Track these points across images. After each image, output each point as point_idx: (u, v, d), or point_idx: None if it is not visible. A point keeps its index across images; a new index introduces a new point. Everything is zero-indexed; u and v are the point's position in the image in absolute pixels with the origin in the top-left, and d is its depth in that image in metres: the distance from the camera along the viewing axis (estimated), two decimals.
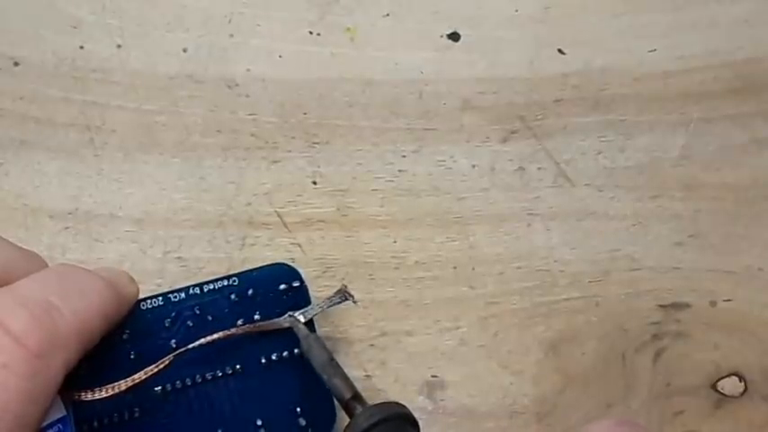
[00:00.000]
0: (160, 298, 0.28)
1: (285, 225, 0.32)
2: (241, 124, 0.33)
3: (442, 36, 0.34)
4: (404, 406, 0.25)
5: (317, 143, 0.33)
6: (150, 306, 0.28)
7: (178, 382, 0.27)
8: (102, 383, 0.26)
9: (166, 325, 0.28)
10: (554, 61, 0.34)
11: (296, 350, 0.28)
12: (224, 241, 0.31)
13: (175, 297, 0.28)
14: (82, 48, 0.33)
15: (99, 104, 0.33)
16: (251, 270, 0.29)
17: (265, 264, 0.29)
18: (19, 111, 0.33)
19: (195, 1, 0.34)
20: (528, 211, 0.32)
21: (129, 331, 0.27)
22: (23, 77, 0.33)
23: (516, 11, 0.35)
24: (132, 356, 0.27)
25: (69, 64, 0.33)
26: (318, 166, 0.33)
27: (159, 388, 0.27)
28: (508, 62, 0.34)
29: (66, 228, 0.31)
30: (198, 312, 0.28)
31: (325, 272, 0.31)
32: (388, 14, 0.35)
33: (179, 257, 0.31)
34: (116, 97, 0.33)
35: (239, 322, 0.28)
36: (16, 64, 0.33)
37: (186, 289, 0.28)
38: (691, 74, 0.34)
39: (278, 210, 0.32)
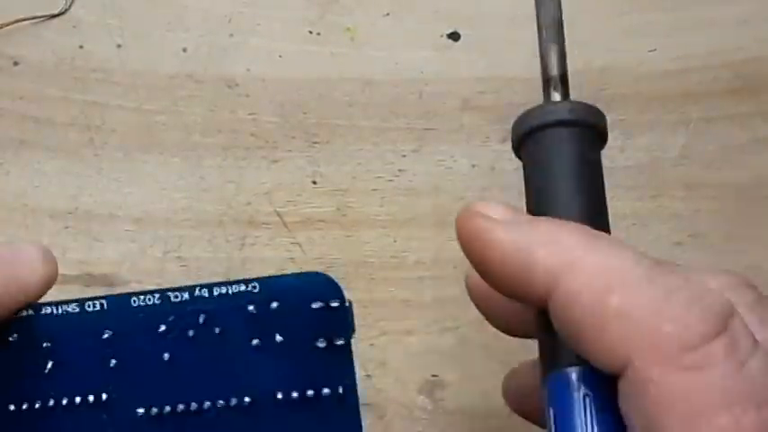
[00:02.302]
0: (157, 295, 0.21)
1: (285, 225, 0.32)
2: (241, 124, 0.33)
3: (442, 36, 0.34)
4: (598, 112, 0.21)
5: (316, 143, 0.33)
6: (143, 303, 0.21)
7: (167, 407, 0.21)
8: (75, 394, 0.21)
9: (161, 331, 0.21)
10: None
11: (326, 390, 0.22)
12: (224, 241, 0.31)
13: (176, 297, 0.21)
14: (82, 47, 0.33)
15: (99, 104, 0.33)
16: (278, 276, 0.22)
17: (296, 271, 0.22)
18: (19, 110, 0.33)
19: (195, 1, 0.34)
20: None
21: (113, 332, 0.21)
22: (23, 77, 0.33)
23: (516, 10, 0.35)
24: (113, 364, 0.21)
25: (69, 63, 0.33)
26: (318, 166, 0.33)
27: (142, 410, 0.21)
28: (508, 62, 0.34)
29: (66, 227, 0.31)
30: (203, 321, 0.21)
31: (325, 271, 0.31)
32: (388, 14, 0.35)
33: (179, 257, 0.31)
34: (116, 97, 0.33)
35: (254, 342, 0.22)
36: (16, 63, 0.33)
37: (191, 289, 0.21)
38: (691, 74, 0.34)
39: (278, 209, 0.32)
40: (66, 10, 0.34)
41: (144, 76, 0.33)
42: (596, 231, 0.19)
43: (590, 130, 0.21)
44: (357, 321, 0.31)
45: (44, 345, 0.21)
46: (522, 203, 0.33)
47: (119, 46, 0.34)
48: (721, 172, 0.33)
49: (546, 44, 0.22)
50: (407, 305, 0.31)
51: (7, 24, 0.33)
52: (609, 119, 0.34)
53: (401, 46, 0.34)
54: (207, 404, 0.21)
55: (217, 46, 0.34)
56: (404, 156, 0.33)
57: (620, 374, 0.17)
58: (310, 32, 0.34)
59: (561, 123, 0.21)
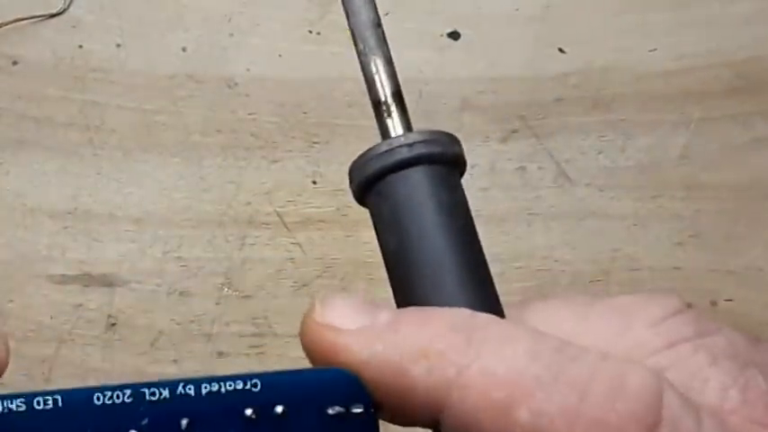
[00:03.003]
0: (128, 391, 0.16)
1: (285, 225, 0.32)
2: (241, 124, 0.33)
3: (441, 35, 0.34)
4: (457, 141, 0.18)
5: (316, 143, 0.33)
6: (109, 402, 0.16)
7: None
8: None
9: None
10: (554, 61, 0.34)
11: None
12: (224, 241, 0.31)
13: (153, 395, 0.17)
14: (81, 47, 0.33)
15: (98, 104, 0.33)
16: (285, 372, 0.17)
17: (307, 368, 0.17)
18: (18, 110, 0.32)
19: (195, 0, 0.34)
20: (528, 211, 0.32)
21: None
22: (22, 77, 0.33)
23: (516, 10, 0.35)
24: None
25: (68, 63, 0.33)
26: (318, 166, 0.32)
27: None
28: (508, 61, 0.34)
29: (66, 227, 0.31)
30: (185, 427, 0.16)
31: (325, 272, 0.31)
32: (387, 14, 0.34)
33: (179, 257, 0.31)
34: (115, 97, 0.33)
35: None
36: (15, 63, 0.33)
37: (173, 385, 0.17)
38: (691, 73, 0.34)
39: (278, 209, 0.32)
40: (65, 9, 0.34)
41: (143, 75, 0.33)
42: (477, 316, 0.15)
43: (442, 164, 0.17)
44: None
45: None
46: (521, 204, 0.33)
47: (118, 45, 0.33)
48: (722, 172, 0.33)
49: (366, 57, 0.17)
50: None
51: (6, 24, 0.33)
52: (609, 118, 0.34)
53: (401, 46, 0.34)
54: None
55: (217, 46, 0.34)
56: None
57: None
58: (310, 32, 0.34)
59: (403, 165, 0.16)
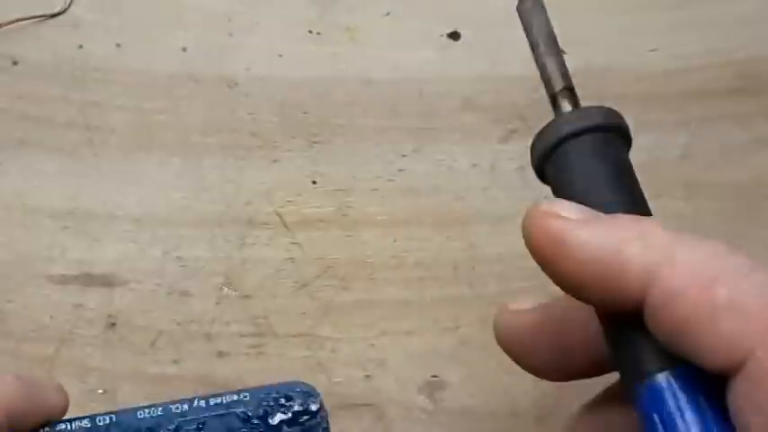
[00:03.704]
0: (160, 408, 0.24)
1: (285, 225, 0.32)
2: (241, 124, 0.33)
3: (442, 35, 0.34)
4: (619, 115, 0.21)
5: (316, 143, 0.33)
6: (148, 415, 0.24)
7: None
8: None
9: None
10: None
11: None
12: (223, 241, 0.31)
13: (177, 408, 0.24)
14: (81, 47, 0.33)
15: (98, 104, 0.33)
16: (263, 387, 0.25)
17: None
18: (18, 110, 0.32)
19: (195, 0, 0.34)
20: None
21: None
22: (22, 76, 0.33)
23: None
24: None
25: (69, 63, 0.33)
26: (318, 166, 0.32)
27: None
28: (508, 61, 0.34)
29: (66, 227, 0.31)
30: (201, 428, 0.24)
31: (325, 272, 0.31)
32: (388, 13, 0.34)
33: (178, 257, 0.31)
34: (115, 97, 0.33)
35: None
36: (15, 63, 0.33)
37: (191, 401, 0.24)
38: (692, 73, 0.34)
39: (277, 209, 0.32)
40: (65, 9, 0.34)
41: (143, 75, 0.33)
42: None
43: (621, 133, 0.21)
44: (357, 321, 0.31)
45: None
46: (522, 204, 0.33)
47: (118, 45, 0.33)
48: (722, 172, 0.33)
49: (543, 59, 0.21)
50: (407, 305, 0.31)
51: (6, 24, 0.33)
52: None
53: (401, 46, 0.34)
54: None
55: (216, 45, 0.34)
56: (404, 156, 0.33)
57: (736, 370, 0.16)
58: (310, 32, 0.34)
59: (595, 129, 0.20)
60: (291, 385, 0.24)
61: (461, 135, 0.33)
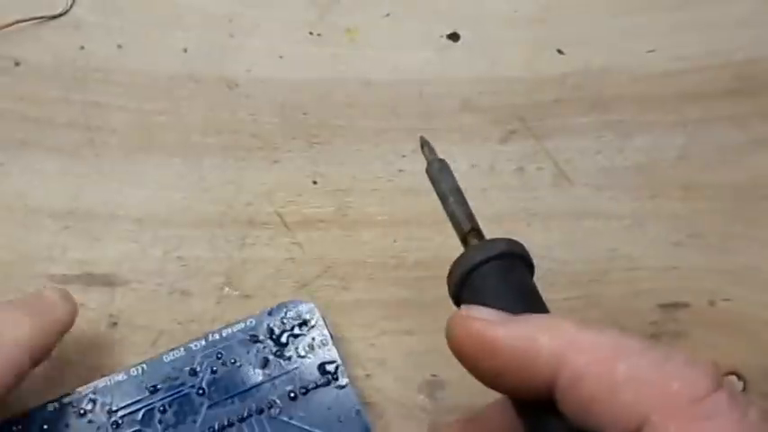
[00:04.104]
0: (182, 348, 0.28)
1: (285, 225, 0.32)
2: (241, 124, 0.33)
3: (441, 36, 0.34)
4: (521, 244, 0.24)
5: (316, 143, 0.33)
6: (172, 357, 0.28)
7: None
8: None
9: (189, 374, 0.28)
10: (553, 61, 0.34)
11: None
12: (224, 241, 0.31)
13: (195, 345, 0.28)
14: (82, 48, 0.34)
15: (99, 104, 0.33)
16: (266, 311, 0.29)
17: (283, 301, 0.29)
18: (20, 111, 0.33)
19: (196, 1, 0.34)
20: (527, 211, 0.32)
21: (155, 385, 0.28)
22: (24, 78, 0.33)
23: (516, 11, 0.35)
24: (161, 408, 0.27)
25: (70, 64, 0.33)
26: (318, 166, 0.33)
27: None
28: (508, 62, 0.34)
29: (67, 227, 0.31)
30: (220, 357, 0.28)
31: (325, 271, 0.31)
32: (388, 15, 0.35)
33: (179, 257, 0.31)
34: (116, 97, 0.33)
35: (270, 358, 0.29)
36: (17, 64, 0.33)
37: (206, 336, 0.28)
38: (689, 74, 0.34)
39: (278, 209, 0.32)
40: (66, 11, 0.34)
41: (144, 76, 0.33)
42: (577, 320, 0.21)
43: (522, 259, 0.23)
44: (357, 321, 0.31)
45: (110, 406, 0.27)
46: (520, 204, 0.33)
47: (119, 46, 0.34)
48: (719, 172, 0.33)
49: (451, 207, 0.25)
50: (407, 305, 0.31)
51: (8, 25, 0.33)
52: (608, 119, 0.34)
53: (401, 46, 0.34)
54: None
55: (217, 46, 0.34)
56: (404, 156, 0.33)
57: None
58: (311, 33, 0.34)
59: (500, 256, 0.23)
60: (288, 303, 0.29)
61: (461, 136, 0.33)
